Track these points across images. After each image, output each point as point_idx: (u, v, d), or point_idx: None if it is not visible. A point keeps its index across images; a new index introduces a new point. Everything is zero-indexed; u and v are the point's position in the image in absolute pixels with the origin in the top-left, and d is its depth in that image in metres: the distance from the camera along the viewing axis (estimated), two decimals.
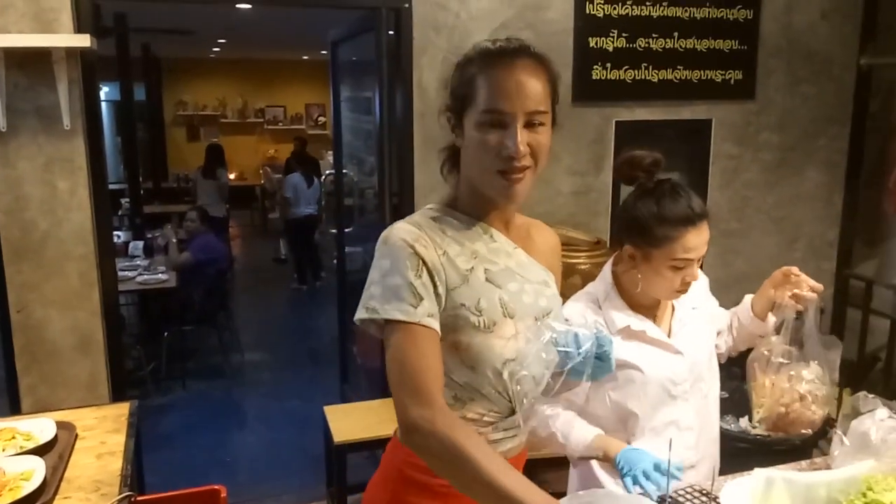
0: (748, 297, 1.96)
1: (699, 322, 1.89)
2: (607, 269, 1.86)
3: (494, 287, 1.30)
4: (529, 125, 1.23)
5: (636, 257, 1.73)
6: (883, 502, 1.22)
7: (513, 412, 1.34)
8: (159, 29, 7.26)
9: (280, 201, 8.56)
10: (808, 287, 1.76)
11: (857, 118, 4.04)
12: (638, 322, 1.78)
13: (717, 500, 1.58)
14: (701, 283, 1.92)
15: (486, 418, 1.33)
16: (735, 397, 2.82)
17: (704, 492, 1.71)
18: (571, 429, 1.74)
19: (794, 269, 1.80)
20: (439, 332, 1.24)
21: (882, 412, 1.64)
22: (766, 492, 1.25)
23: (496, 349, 1.27)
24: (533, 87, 1.23)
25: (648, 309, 1.81)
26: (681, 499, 1.68)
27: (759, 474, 1.27)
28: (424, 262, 1.24)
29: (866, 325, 4.04)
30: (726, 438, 1.99)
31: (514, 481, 1.11)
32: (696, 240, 1.67)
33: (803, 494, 1.27)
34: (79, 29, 2.81)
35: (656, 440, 1.74)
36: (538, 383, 1.35)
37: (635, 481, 1.57)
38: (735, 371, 2.54)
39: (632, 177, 1.74)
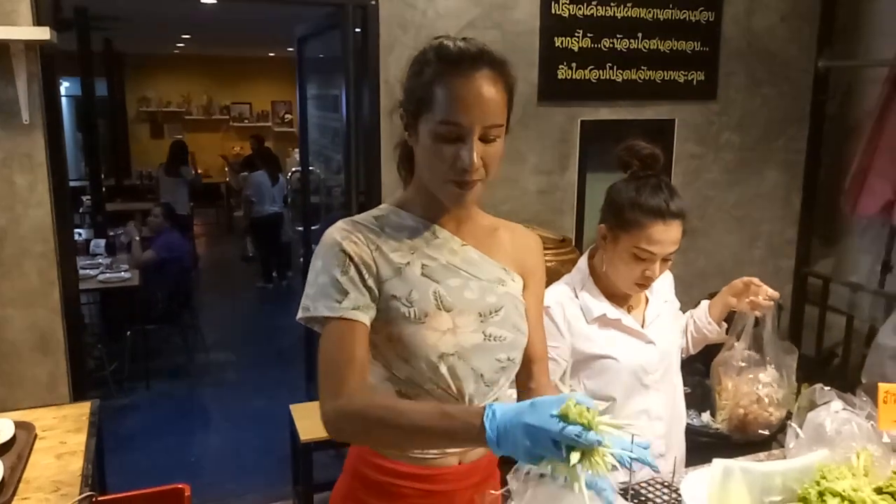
0: (705, 303, 2.02)
1: (670, 315, 1.95)
2: (583, 260, 1.91)
3: (431, 281, 1.31)
4: (484, 138, 1.23)
5: (606, 238, 1.79)
6: (836, 490, 1.26)
7: None
8: (120, 22, 7.12)
9: (243, 200, 8.49)
10: (765, 296, 1.82)
11: (814, 119, 4.14)
12: (613, 310, 1.82)
13: (678, 491, 1.61)
14: (667, 280, 1.97)
15: None
16: (697, 392, 2.87)
17: (666, 483, 1.74)
18: None
19: (755, 280, 1.85)
20: (366, 324, 1.27)
21: (837, 404, 1.68)
22: (724, 481, 1.28)
23: (429, 340, 1.27)
24: (491, 99, 1.22)
25: (623, 299, 1.86)
26: (643, 491, 1.72)
27: (717, 464, 1.30)
28: (351, 258, 1.27)
29: (823, 321, 4.13)
30: (689, 433, 2.03)
31: (423, 413, 1.15)
32: (663, 235, 1.71)
33: (760, 483, 1.31)
34: (38, 21, 2.76)
35: (628, 429, 1.77)
36: (488, 383, 1.34)
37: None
38: (698, 367, 2.59)
39: (628, 164, 1.79)
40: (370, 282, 1.28)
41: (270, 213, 7.78)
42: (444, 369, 1.28)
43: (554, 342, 1.76)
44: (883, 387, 1.50)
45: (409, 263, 1.31)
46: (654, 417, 1.85)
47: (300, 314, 1.30)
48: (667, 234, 1.71)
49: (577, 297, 1.84)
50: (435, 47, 1.27)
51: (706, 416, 3.12)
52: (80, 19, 6.09)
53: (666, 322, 1.92)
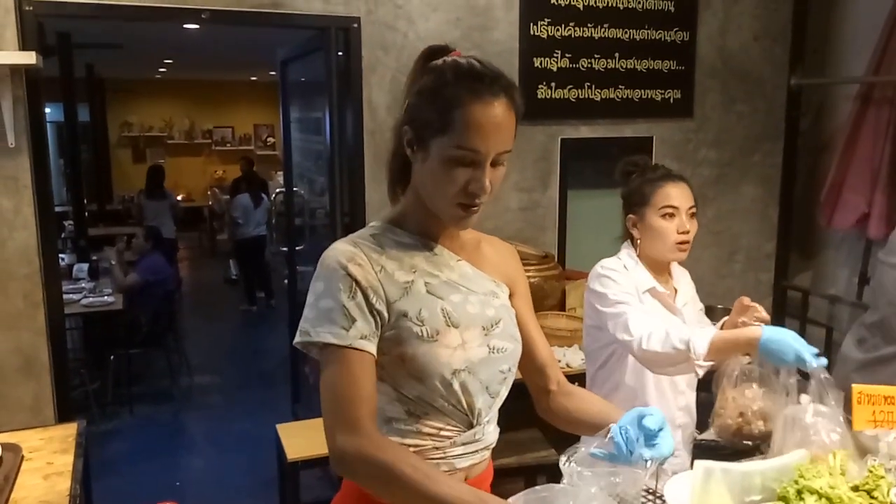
0: (722, 321, 2.17)
1: (692, 313, 2.16)
2: (625, 245, 2.12)
3: (436, 298, 1.30)
4: (494, 163, 1.24)
5: (636, 223, 2.07)
6: (813, 487, 1.30)
7: (471, 426, 1.33)
8: (101, 44, 7.12)
9: (228, 223, 8.49)
10: (754, 318, 1.94)
11: (789, 135, 4.23)
12: (660, 286, 2.06)
13: (662, 497, 1.64)
14: (687, 280, 2.22)
15: (443, 433, 1.31)
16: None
17: (651, 490, 1.77)
18: (690, 334, 1.80)
19: (745, 299, 1.98)
20: (374, 355, 1.24)
21: (806, 398, 1.73)
22: (705, 483, 1.31)
23: (442, 358, 1.27)
24: (507, 128, 1.23)
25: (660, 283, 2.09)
26: (628, 497, 1.74)
27: (699, 466, 1.34)
28: (358, 283, 1.24)
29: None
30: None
31: (454, 488, 1.15)
32: (676, 190, 2.01)
33: (740, 483, 1.34)
34: (23, 46, 2.79)
35: (661, 399, 2.03)
36: (492, 395, 1.35)
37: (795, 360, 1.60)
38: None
39: (630, 172, 2.13)
40: (378, 305, 1.25)
41: (255, 236, 7.80)
42: (456, 385, 1.28)
43: (628, 299, 1.94)
44: (856, 388, 1.54)
45: (412, 282, 1.29)
46: (678, 391, 2.09)
47: (298, 338, 1.25)
48: (680, 190, 2.02)
49: (627, 269, 2.05)
50: (451, 67, 1.26)
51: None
52: (63, 44, 6.11)
53: (689, 313, 2.14)
